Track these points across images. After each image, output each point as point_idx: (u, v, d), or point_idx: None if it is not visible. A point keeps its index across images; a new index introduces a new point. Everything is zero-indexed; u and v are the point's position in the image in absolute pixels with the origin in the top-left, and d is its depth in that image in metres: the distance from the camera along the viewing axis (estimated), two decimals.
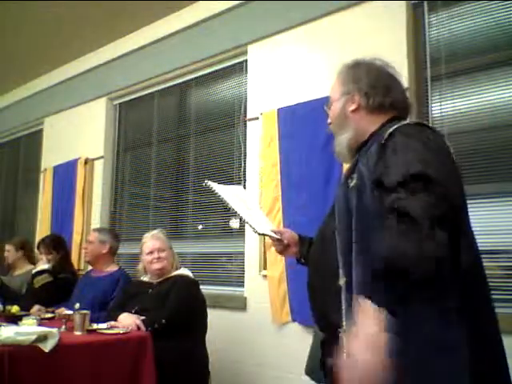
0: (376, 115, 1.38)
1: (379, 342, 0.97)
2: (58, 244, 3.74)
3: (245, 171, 3.33)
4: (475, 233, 1.23)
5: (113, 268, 3.28)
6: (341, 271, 1.23)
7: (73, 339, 2.24)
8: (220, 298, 3.27)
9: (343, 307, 1.20)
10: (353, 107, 1.40)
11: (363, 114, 1.39)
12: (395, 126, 1.22)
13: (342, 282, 1.22)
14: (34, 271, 3.59)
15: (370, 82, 1.39)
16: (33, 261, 4.05)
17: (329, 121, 1.50)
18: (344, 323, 1.19)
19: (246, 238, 3.21)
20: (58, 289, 3.43)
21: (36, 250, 3.77)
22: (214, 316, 2.87)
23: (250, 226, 1.65)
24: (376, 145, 1.22)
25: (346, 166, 2.73)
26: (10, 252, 4.02)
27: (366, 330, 0.98)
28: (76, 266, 4.09)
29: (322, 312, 1.33)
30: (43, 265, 3.56)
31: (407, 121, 1.30)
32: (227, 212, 3.49)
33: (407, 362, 1.01)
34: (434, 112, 2.58)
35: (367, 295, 1.01)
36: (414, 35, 2.68)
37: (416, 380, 1.05)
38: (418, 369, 1.04)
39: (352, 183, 1.24)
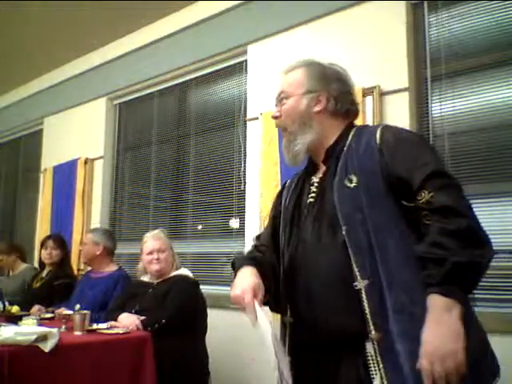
0: (340, 120, 1.38)
1: (461, 329, 1.04)
2: (62, 243, 3.75)
3: (245, 171, 3.33)
4: None
5: (112, 268, 3.28)
6: (358, 273, 1.15)
7: (73, 339, 2.24)
8: (220, 298, 3.27)
9: (367, 310, 1.13)
10: (318, 108, 1.35)
11: (326, 117, 1.36)
12: (381, 127, 1.29)
13: (362, 284, 1.15)
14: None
15: (340, 87, 1.38)
16: (25, 259, 4.06)
17: (277, 114, 1.41)
18: (372, 327, 1.13)
19: (246, 238, 3.21)
20: (55, 294, 3.42)
21: (40, 248, 3.77)
22: (213, 316, 2.87)
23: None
24: (370, 141, 1.25)
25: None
26: (2, 261, 4.01)
27: (449, 322, 1.04)
28: (76, 266, 4.09)
29: (330, 319, 1.21)
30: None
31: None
32: (227, 212, 3.49)
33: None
34: (433, 112, 2.58)
35: (444, 288, 1.05)
36: (414, 35, 2.68)
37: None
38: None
39: (353, 183, 1.22)
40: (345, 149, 1.30)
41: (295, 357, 1.37)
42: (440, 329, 1.04)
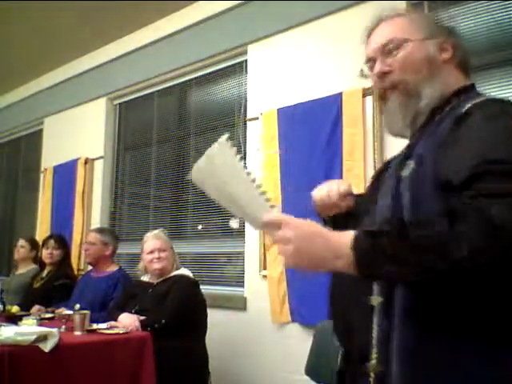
0: (463, 76, 1.08)
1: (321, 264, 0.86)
2: (64, 242, 3.75)
3: None
4: None
5: (113, 268, 3.29)
6: (375, 287, 0.94)
7: (73, 339, 2.24)
8: (220, 298, 3.27)
9: (374, 335, 0.92)
10: (446, 55, 1.06)
11: (453, 68, 1.07)
12: (476, 101, 0.95)
13: (375, 301, 0.93)
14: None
15: (453, 35, 1.11)
16: (36, 261, 4.05)
17: (386, 69, 1.07)
18: (374, 356, 0.92)
19: (246, 238, 3.21)
20: (55, 294, 3.42)
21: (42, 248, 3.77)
22: (213, 316, 2.87)
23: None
24: (451, 120, 0.93)
25: (348, 163, 2.76)
26: (24, 248, 3.96)
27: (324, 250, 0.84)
28: (76, 266, 4.09)
29: (347, 329, 1.04)
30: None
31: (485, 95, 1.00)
32: (227, 212, 3.48)
33: None
34: None
35: None
36: None
37: None
38: None
39: (406, 172, 0.94)
40: (437, 118, 1.00)
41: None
42: (322, 243, 0.85)
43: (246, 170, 0.90)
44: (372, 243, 0.82)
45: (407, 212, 0.91)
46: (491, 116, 0.89)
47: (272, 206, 0.90)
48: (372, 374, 0.92)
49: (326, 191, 1.18)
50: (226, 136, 0.92)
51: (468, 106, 0.93)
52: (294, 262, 0.86)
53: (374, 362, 0.92)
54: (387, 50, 1.08)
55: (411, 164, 0.94)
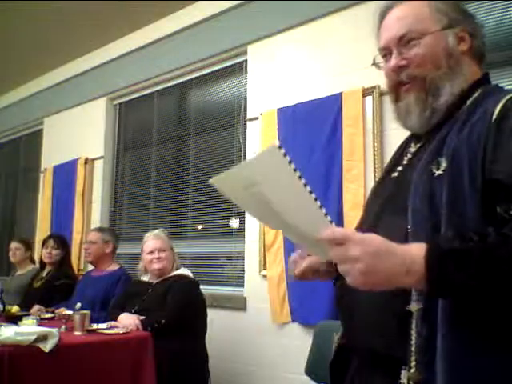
0: (480, 67, 1.03)
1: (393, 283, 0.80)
2: (64, 242, 3.76)
3: None
4: None
5: (114, 267, 3.30)
6: (414, 293, 0.87)
7: (73, 339, 2.24)
8: (220, 298, 3.27)
9: (413, 342, 0.86)
10: (464, 47, 1.01)
11: (469, 60, 1.02)
12: (507, 96, 0.90)
13: (414, 308, 0.87)
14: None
15: (476, 23, 1.04)
16: (34, 261, 4.05)
17: (403, 62, 1.02)
18: (413, 363, 0.86)
19: (246, 238, 3.21)
20: (56, 294, 3.42)
21: (41, 248, 3.77)
22: (213, 316, 2.87)
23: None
24: (486, 117, 0.88)
25: (348, 163, 2.76)
26: (20, 250, 3.97)
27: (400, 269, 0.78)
28: (76, 266, 4.09)
29: (371, 341, 0.96)
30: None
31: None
32: (227, 212, 3.49)
33: None
34: None
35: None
36: None
37: None
38: None
39: (439, 170, 0.90)
40: (461, 111, 0.96)
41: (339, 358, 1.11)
42: (393, 259, 0.79)
43: (302, 181, 0.80)
44: (452, 261, 0.77)
45: (444, 211, 0.87)
46: None
47: (331, 221, 0.81)
48: (411, 383, 0.86)
49: (296, 268, 1.11)
50: (277, 142, 0.79)
51: (502, 102, 0.89)
52: (363, 282, 0.79)
53: (413, 370, 0.86)
54: (405, 42, 1.02)
55: (443, 161, 0.90)
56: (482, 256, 0.77)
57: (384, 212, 1.02)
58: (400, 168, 1.06)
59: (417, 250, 0.79)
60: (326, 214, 0.80)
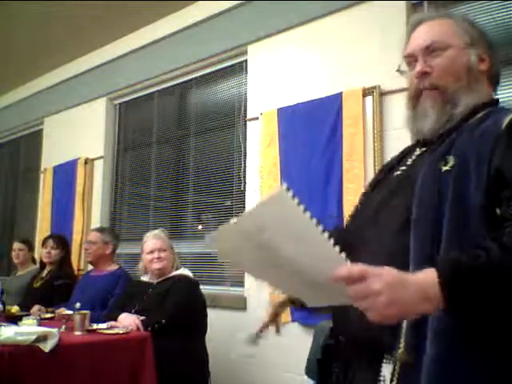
0: (492, 89, 1.12)
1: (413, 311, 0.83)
2: (64, 242, 3.75)
3: (245, 171, 3.33)
4: None
5: (113, 267, 3.30)
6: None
7: (73, 339, 2.24)
8: (220, 298, 3.27)
9: (403, 324, 0.92)
10: (483, 67, 1.10)
11: (485, 80, 1.11)
12: None
13: None
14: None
15: (489, 45, 1.14)
16: (35, 261, 4.05)
17: (427, 69, 1.09)
18: (402, 345, 0.91)
19: None
20: (55, 294, 3.42)
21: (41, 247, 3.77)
22: (213, 316, 2.87)
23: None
24: (496, 127, 0.96)
25: (348, 163, 2.76)
26: (23, 251, 3.97)
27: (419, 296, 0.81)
28: (76, 266, 4.09)
29: (363, 326, 0.94)
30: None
31: None
32: (227, 212, 3.49)
33: None
34: None
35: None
36: None
37: None
38: None
39: (447, 166, 0.96)
40: (469, 124, 1.04)
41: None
42: (411, 288, 0.82)
43: (314, 221, 0.75)
44: (464, 280, 0.82)
45: (449, 206, 0.92)
46: None
47: (346, 259, 0.78)
48: (398, 363, 0.92)
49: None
50: (285, 185, 0.75)
51: None
52: (385, 314, 0.80)
53: (401, 350, 0.91)
54: (430, 52, 1.09)
55: (451, 160, 0.96)
56: (491, 272, 0.82)
57: (386, 204, 1.06)
58: (404, 167, 1.12)
59: (430, 278, 0.82)
60: (340, 252, 0.78)
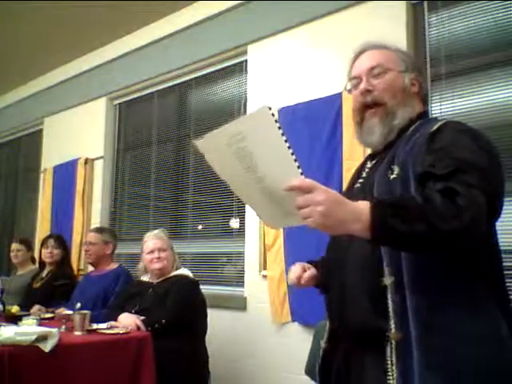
0: (422, 107, 1.35)
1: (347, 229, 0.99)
2: (64, 242, 3.76)
3: None
4: None
5: (113, 266, 3.30)
6: (386, 270, 1.12)
7: (73, 339, 2.24)
8: (220, 298, 3.27)
9: (390, 309, 1.10)
10: (415, 89, 1.33)
11: (417, 98, 1.34)
12: (444, 121, 1.20)
13: (388, 281, 1.12)
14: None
15: (418, 72, 1.37)
16: (34, 261, 4.05)
17: (370, 87, 1.31)
18: (393, 326, 1.09)
19: (246, 238, 3.21)
20: (56, 294, 3.42)
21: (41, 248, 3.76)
22: (213, 316, 2.87)
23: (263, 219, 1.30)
24: (424, 136, 1.16)
25: (348, 163, 2.76)
26: (21, 251, 3.97)
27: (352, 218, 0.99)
28: (76, 266, 4.09)
29: (361, 318, 1.17)
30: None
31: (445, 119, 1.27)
32: (227, 212, 3.49)
33: None
34: (433, 112, 2.58)
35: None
36: (414, 35, 2.69)
37: None
38: None
39: (393, 174, 1.16)
40: (406, 134, 1.26)
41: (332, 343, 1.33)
42: (347, 207, 0.99)
43: (284, 137, 0.97)
44: (389, 209, 0.99)
45: None
46: (460, 131, 1.16)
47: (302, 173, 0.97)
48: (393, 342, 1.09)
49: (295, 277, 1.37)
50: (267, 105, 0.96)
51: (438, 124, 1.17)
52: (320, 222, 0.95)
53: (393, 331, 1.09)
54: (373, 73, 1.31)
55: (396, 169, 1.17)
56: (413, 206, 1.00)
57: None
58: (361, 180, 1.33)
59: (364, 204, 1.00)
60: (298, 167, 0.97)
